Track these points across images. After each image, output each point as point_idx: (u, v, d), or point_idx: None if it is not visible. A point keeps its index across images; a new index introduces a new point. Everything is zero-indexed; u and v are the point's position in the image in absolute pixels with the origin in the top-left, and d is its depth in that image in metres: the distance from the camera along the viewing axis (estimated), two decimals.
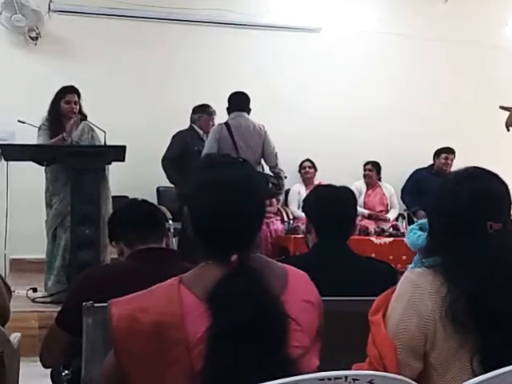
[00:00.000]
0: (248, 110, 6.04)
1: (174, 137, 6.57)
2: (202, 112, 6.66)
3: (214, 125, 6.58)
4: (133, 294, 1.52)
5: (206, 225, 1.50)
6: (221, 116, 6.25)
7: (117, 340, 1.45)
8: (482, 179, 1.68)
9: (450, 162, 7.45)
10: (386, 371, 1.52)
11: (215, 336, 1.37)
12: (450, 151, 7.48)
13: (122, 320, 1.45)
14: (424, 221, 4.25)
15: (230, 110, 6.05)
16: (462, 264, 1.56)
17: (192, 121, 6.70)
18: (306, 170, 7.48)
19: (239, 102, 6.03)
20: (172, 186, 6.73)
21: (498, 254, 1.57)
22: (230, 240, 1.47)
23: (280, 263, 1.59)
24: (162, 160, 6.51)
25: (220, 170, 1.52)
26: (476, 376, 1.45)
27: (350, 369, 1.54)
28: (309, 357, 1.48)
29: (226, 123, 5.94)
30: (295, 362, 1.40)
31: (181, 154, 6.37)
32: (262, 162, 6.03)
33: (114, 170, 5.37)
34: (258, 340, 1.36)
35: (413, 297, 1.58)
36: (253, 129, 5.97)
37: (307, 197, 2.80)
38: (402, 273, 1.68)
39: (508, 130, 3.48)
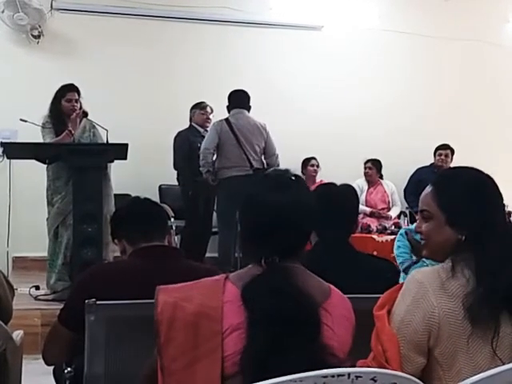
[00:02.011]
0: (248, 108, 6.06)
1: (175, 139, 6.61)
2: (195, 108, 6.73)
3: (209, 119, 6.63)
4: (181, 283, 1.62)
5: (254, 235, 1.64)
6: (223, 113, 6.25)
7: (160, 326, 1.51)
8: (477, 172, 1.76)
9: (444, 157, 7.46)
10: (388, 365, 1.54)
11: (249, 325, 1.47)
12: (445, 147, 7.49)
13: (166, 307, 1.52)
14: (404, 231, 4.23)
15: (229, 108, 6.08)
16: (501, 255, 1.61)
17: (190, 119, 6.74)
18: (314, 168, 7.47)
19: (239, 99, 6.05)
20: (174, 184, 6.76)
21: None
22: (271, 247, 1.58)
23: (324, 281, 1.69)
24: (175, 164, 6.55)
25: (277, 193, 1.62)
26: (502, 361, 1.53)
27: (353, 366, 1.56)
28: None
29: (227, 119, 5.97)
30: (328, 350, 1.47)
31: (188, 153, 6.41)
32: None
33: (116, 168, 5.37)
34: (287, 329, 1.45)
35: (417, 294, 1.60)
36: (253, 126, 5.99)
37: None
38: (412, 263, 1.71)
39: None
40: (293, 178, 1.68)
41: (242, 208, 1.67)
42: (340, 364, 1.45)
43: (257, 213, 1.62)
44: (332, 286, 1.67)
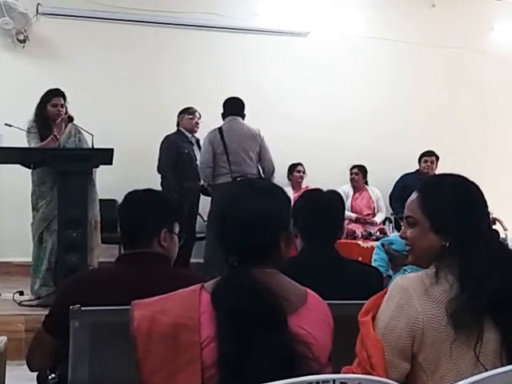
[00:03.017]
0: (242, 115, 6.10)
1: (162, 143, 6.60)
2: (184, 113, 6.75)
3: (197, 124, 6.66)
4: (156, 296, 1.61)
5: (221, 240, 1.65)
6: (209, 119, 6.26)
7: (138, 341, 1.51)
8: (463, 179, 1.79)
9: (429, 164, 7.51)
10: (373, 371, 1.54)
11: (218, 327, 1.47)
12: (429, 154, 7.55)
13: (142, 321, 1.52)
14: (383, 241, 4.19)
15: (224, 116, 6.10)
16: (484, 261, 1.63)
17: (178, 124, 6.75)
18: (301, 174, 7.49)
19: (233, 107, 6.09)
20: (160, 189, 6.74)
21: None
22: (237, 252, 1.60)
23: (300, 285, 1.67)
24: (159, 167, 6.53)
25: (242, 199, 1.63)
26: (484, 367, 1.53)
27: (338, 372, 1.55)
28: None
29: (220, 128, 6.00)
30: (297, 338, 1.47)
31: (175, 158, 6.42)
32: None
33: (101, 172, 5.35)
34: (253, 324, 1.45)
35: (401, 300, 1.61)
36: (247, 133, 6.03)
37: (296, 202, 2.79)
38: (388, 276, 1.71)
39: None
40: (259, 183, 1.72)
41: (214, 214, 1.71)
42: (321, 369, 1.45)
43: (222, 218, 1.65)
44: (309, 290, 1.67)
